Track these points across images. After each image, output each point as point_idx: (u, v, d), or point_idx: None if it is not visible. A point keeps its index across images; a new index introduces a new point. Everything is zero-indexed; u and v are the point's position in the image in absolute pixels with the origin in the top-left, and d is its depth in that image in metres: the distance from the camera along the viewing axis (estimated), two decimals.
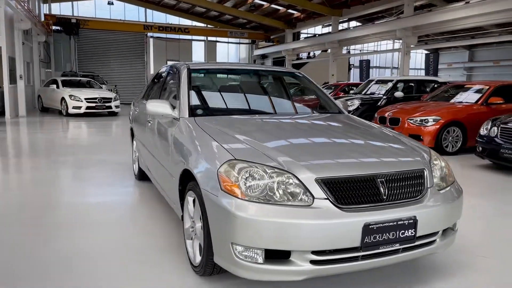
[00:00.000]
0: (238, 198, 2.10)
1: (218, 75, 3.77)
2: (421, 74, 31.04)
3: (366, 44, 26.62)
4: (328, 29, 25.12)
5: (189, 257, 2.68)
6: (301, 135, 2.82)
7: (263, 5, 20.84)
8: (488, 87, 7.89)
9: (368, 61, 23.91)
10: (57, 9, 22.99)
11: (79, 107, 14.10)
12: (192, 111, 3.13)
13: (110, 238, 3.19)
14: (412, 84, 10.75)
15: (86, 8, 23.57)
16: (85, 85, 16.03)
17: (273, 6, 20.84)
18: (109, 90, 17.52)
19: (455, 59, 35.70)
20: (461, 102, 7.94)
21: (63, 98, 14.30)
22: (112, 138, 9.45)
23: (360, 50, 29.30)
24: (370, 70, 24.94)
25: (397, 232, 2.13)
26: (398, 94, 9.85)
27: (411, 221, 2.15)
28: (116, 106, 14.96)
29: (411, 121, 7.43)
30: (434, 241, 2.34)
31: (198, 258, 2.53)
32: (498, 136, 5.82)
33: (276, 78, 4.04)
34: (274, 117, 3.31)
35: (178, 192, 2.88)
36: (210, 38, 26.91)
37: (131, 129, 5.23)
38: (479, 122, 7.23)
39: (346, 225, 2.03)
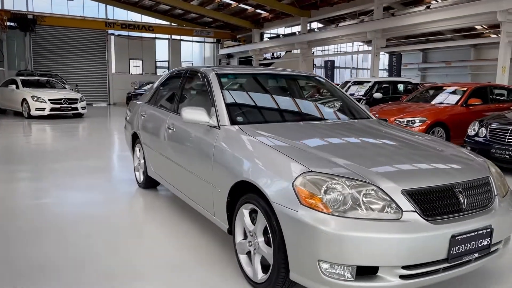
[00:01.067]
0: (323, 212, 2.01)
1: (247, 80, 3.63)
2: (384, 75, 32.22)
3: (327, 46, 27.17)
4: (291, 30, 25.43)
5: (245, 272, 2.56)
6: (361, 142, 2.78)
7: (231, 4, 20.67)
8: (465, 89, 8.28)
9: (332, 62, 24.37)
10: (10, 3, 21.50)
11: (43, 109, 13.25)
12: (232, 119, 2.99)
13: (152, 254, 2.99)
14: (388, 85, 11.08)
15: (42, 3, 22.21)
16: (45, 85, 15.12)
17: (241, 5, 20.72)
18: (72, 90, 16.64)
19: (410, 60, 37.34)
20: (442, 103, 8.28)
21: (24, 99, 13.38)
22: (89, 141, 8.96)
23: (322, 51, 29.83)
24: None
25: (477, 242, 2.14)
26: (377, 95, 10.12)
27: (488, 230, 2.17)
28: (83, 108, 14.23)
29: (398, 122, 7.64)
30: (498, 249, 2.38)
31: (260, 275, 2.42)
32: (488, 136, 6.12)
33: (302, 82, 3.99)
34: (321, 123, 3.23)
35: (225, 205, 2.74)
36: (174, 37, 26.31)
37: (133, 135, 4.96)
38: (460, 123, 7.62)
39: (435, 238, 2.01)
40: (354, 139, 2.84)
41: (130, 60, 25.47)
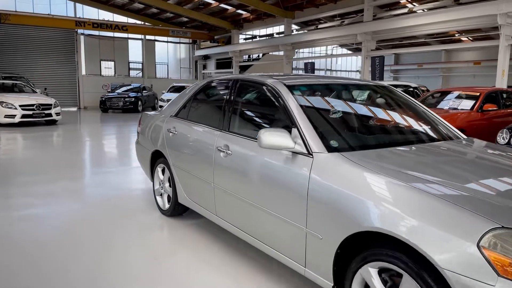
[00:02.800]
0: None
1: (320, 92, 3.01)
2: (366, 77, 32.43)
3: (307, 49, 26.89)
4: (266, 32, 24.93)
5: None
6: (498, 175, 2.17)
7: (211, 3, 19.89)
8: (478, 94, 8.03)
9: (313, 64, 24.13)
10: None
11: (13, 116, 12.05)
12: (326, 144, 2.37)
13: None
14: None
15: (2, 0, 20.51)
16: (12, 89, 13.82)
17: (222, 5, 19.98)
18: (45, 94, 15.33)
19: (385, 62, 38.02)
20: (456, 109, 7.98)
21: None
22: (75, 153, 8.00)
23: (300, 53, 29.51)
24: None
25: None
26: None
27: None
28: (57, 114, 13.09)
29: None
30: None
31: None
32: None
33: (389, 94, 3.42)
34: (435, 146, 2.62)
35: (332, 258, 2.12)
36: (148, 37, 25.16)
37: (154, 153, 4.22)
38: (477, 129, 7.36)
39: None
40: (491, 170, 2.28)
41: (102, 61, 24.10)
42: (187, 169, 3.56)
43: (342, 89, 3.18)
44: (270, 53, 25.09)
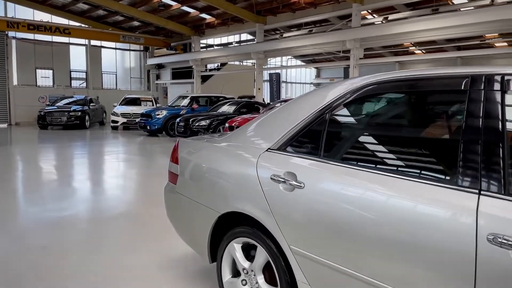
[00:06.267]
0: None
1: None
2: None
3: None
4: (227, 40, 23.22)
5: None
6: None
7: (171, 5, 17.69)
8: None
9: (278, 75, 22.76)
10: None
11: None
12: None
13: None
14: None
15: None
16: None
17: (184, 8, 17.85)
18: None
19: (335, 75, 37.96)
20: None
21: None
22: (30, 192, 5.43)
23: (252, 64, 28.08)
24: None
25: None
26: None
27: None
28: None
29: None
30: None
31: None
32: None
33: None
34: None
35: None
36: (93, 43, 22.20)
37: (223, 218, 2.23)
38: None
39: None
40: None
41: (38, 70, 20.74)
42: (335, 260, 1.62)
43: None
44: (229, 63, 23.33)
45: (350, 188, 1.68)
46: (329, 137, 1.91)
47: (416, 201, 1.46)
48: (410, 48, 27.19)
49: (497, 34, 19.10)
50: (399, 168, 1.66)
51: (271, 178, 1.96)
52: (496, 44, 22.63)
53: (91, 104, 17.84)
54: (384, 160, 1.76)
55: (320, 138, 1.91)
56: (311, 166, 1.87)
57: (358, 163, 1.76)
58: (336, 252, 1.69)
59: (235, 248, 2.22)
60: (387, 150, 1.79)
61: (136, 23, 21.67)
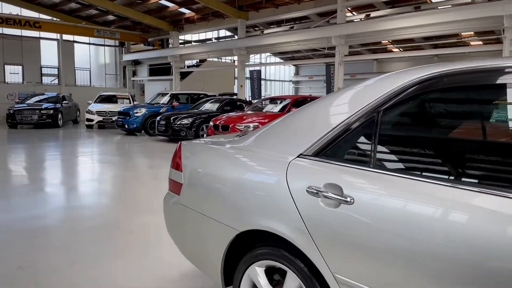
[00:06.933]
0: None
1: None
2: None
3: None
4: (206, 36, 22.68)
5: None
6: None
7: None
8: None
9: (259, 72, 22.40)
10: None
11: None
12: None
13: None
14: None
15: None
16: None
17: (162, 2, 17.21)
18: None
19: (314, 72, 37.87)
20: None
21: None
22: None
23: (232, 60, 27.64)
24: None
25: None
26: None
27: None
28: None
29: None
30: None
31: None
32: None
33: None
34: None
35: None
36: (66, 37, 21.20)
37: (241, 236, 1.84)
38: None
39: None
40: None
41: (6, 66, 19.64)
42: None
43: None
44: (208, 60, 22.78)
45: (419, 207, 1.32)
46: (384, 142, 1.55)
47: None
48: (388, 46, 27.39)
49: (472, 32, 19.37)
50: (481, 181, 1.31)
51: (307, 191, 1.58)
52: (472, 43, 22.99)
53: (64, 102, 16.98)
54: (462, 170, 1.41)
55: (371, 142, 1.55)
56: (361, 178, 1.50)
57: (428, 175, 1.40)
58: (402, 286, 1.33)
59: (257, 273, 1.83)
60: (465, 159, 1.44)
61: (111, 17, 20.82)
